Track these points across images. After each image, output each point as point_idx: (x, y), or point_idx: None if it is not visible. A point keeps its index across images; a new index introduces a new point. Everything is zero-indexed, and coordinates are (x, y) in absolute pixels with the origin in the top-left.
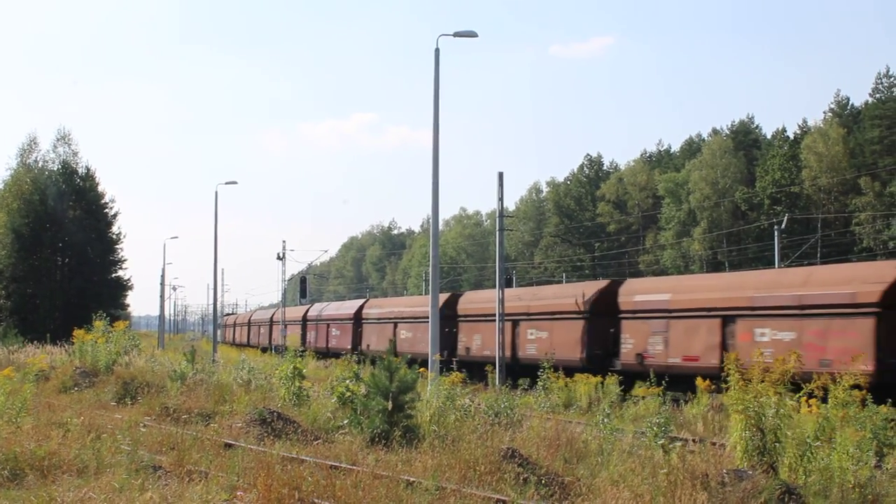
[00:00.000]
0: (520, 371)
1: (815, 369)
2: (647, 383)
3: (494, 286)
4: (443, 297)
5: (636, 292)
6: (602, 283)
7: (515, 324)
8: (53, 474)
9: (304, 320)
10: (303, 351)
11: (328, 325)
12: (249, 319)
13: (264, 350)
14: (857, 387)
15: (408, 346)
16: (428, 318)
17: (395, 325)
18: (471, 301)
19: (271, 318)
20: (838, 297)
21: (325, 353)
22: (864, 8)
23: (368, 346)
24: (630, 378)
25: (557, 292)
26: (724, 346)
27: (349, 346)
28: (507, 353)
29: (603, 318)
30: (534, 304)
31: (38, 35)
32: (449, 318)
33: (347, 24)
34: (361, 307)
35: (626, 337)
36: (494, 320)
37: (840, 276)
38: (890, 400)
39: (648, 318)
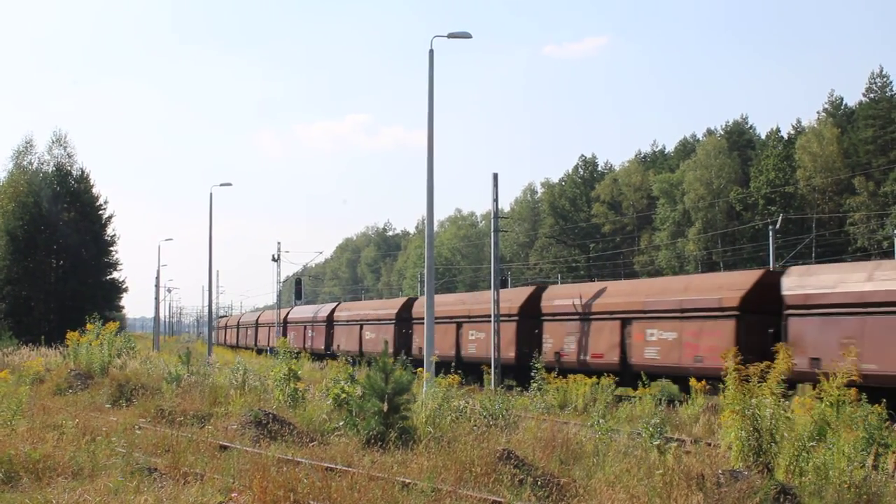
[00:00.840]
0: (464, 368)
1: (690, 365)
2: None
3: (490, 287)
4: (400, 301)
5: (555, 297)
6: (530, 289)
7: (459, 325)
8: (48, 477)
9: (285, 322)
10: (298, 352)
11: (305, 327)
12: (238, 322)
13: (260, 352)
14: (851, 384)
15: (371, 347)
16: (388, 320)
17: (361, 326)
18: (423, 305)
19: (257, 320)
20: (708, 301)
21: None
22: (857, 8)
23: (339, 346)
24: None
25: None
26: (622, 345)
27: (323, 347)
28: (452, 351)
29: (530, 320)
30: (474, 307)
31: (31, 35)
32: (405, 321)
33: (340, 24)
34: (333, 310)
35: (547, 337)
36: (443, 323)
37: (711, 284)
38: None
39: (565, 321)
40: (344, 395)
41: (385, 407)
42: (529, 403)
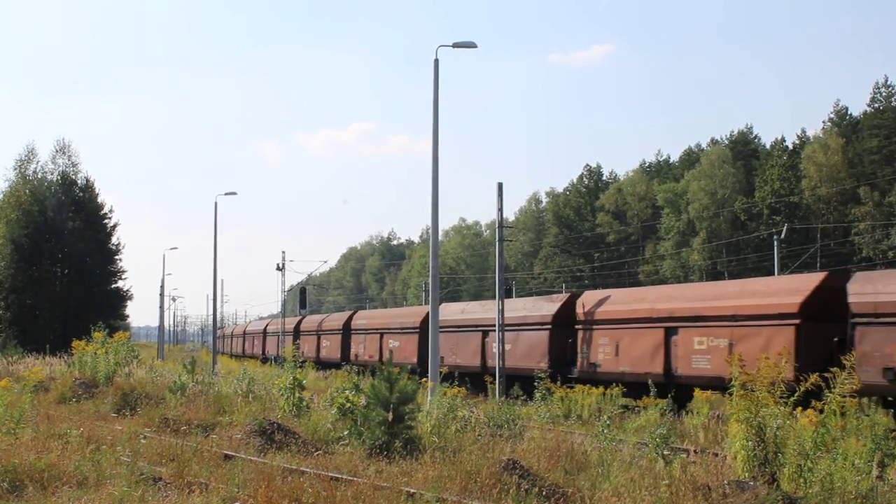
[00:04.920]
0: (322, 367)
1: (405, 361)
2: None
3: (494, 297)
4: (297, 319)
5: (358, 318)
6: (349, 313)
7: (319, 337)
8: (53, 486)
9: (244, 334)
10: (275, 358)
11: (253, 338)
12: (225, 333)
13: (265, 361)
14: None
15: (272, 349)
16: (286, 332)
17: (278, 337)
18: (308, 321)
19: (233, 331)
20: (407, 322)
21: (252, 356)
22: (861, 18)
23: (268, 350)
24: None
25: (330, 317)
26: (380, 349)
27: (261, 352)
28: (313, 354)
29: (346, 333)
30: (325, 324)
31: (36, 45)
32: (295, 334)
33: (345, 32)
34: (266, 325)
35: (352, 344)
36: (310, 334)
37: (409, 313)
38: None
39: (361, 334)
40: (349, 405)
41: (390, 416)
42: (534, 413)
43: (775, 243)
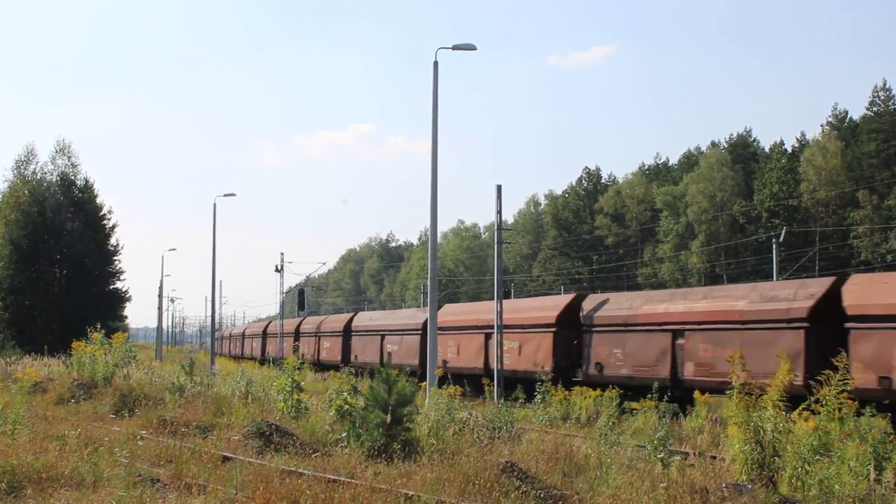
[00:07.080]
0: (265, 363)
1: (332, 359)
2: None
3: (493, 298)
4: (263, 324)
5: (306, 324)
6: (300, 319)
7: (281, 339)
8: (51, 487)
9: (230, 336)
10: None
11: (237, 339)
12: (222, 335)
13: (263, 362)
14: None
15: (248, 350)
16: (258, 335)
17: (252, 340)
18: (274, 325)
19: (223, 334)
20: (335, 327)
21: (239, 357)
22: (860, 21)
23: (245, 351)
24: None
25: (289, 322)
26: (317, 349)
27: (240, 353)
28: (275, 353)
29: (298, 335)
30: (285, 328)
31: (36, 46)
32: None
33: (345, 34)
34: (245, 329)
35: (300, 344)
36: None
37: (336, 319)
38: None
39: (305, 336)
40: (347, 407)
41: (388, 418)
42: (532, 415)
43: (774, 246)
